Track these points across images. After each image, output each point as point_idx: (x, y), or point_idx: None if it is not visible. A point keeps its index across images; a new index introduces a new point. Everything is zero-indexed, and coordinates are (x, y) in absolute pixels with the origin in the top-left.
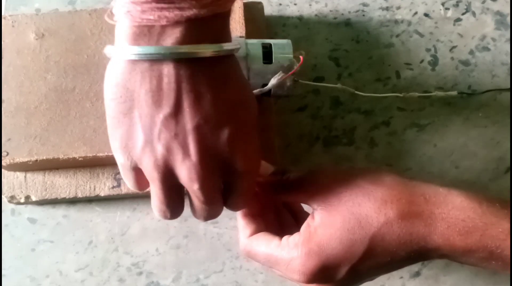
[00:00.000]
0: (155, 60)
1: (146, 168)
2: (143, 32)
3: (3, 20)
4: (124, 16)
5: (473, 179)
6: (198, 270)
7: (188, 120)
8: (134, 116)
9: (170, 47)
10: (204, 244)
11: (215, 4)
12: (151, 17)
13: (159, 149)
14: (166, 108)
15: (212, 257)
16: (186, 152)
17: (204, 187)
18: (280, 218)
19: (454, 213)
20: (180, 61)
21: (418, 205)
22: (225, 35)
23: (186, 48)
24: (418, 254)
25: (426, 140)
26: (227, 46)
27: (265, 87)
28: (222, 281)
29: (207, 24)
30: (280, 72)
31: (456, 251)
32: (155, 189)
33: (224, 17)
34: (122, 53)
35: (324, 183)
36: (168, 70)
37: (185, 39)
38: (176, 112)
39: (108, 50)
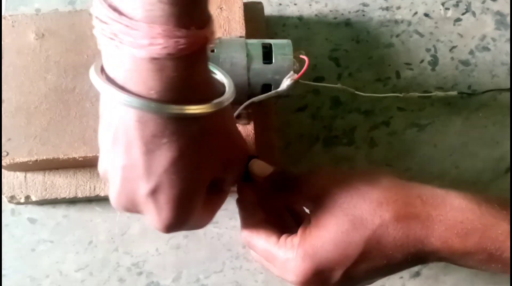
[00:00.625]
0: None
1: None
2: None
3: (3, 20)
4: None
5: (473, 179)
6: (198, 270)
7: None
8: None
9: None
10: (204, 244)
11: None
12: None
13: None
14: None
15: (212, 257)
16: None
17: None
18: (280, 219)
19: (452, 215)
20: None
21: (415, 207)
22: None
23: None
24: (416, 257)
25: (426, 140)
26: (195, 109)
27: (279, 89)
28: (222, 281)
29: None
30: (292, 72)
31: (455, 253)
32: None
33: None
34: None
35: (320, 184)
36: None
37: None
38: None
39: (96, 84)
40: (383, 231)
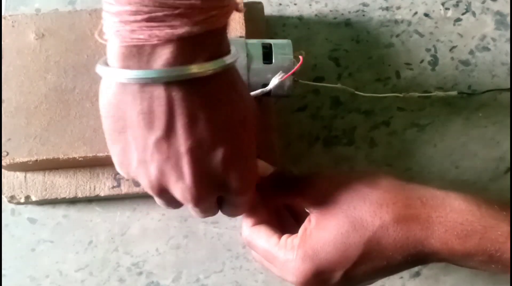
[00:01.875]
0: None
1: (143, 185)
2: (133, 53)
3: (3, 20)
4: (114, 36)
5: (473, 179)
6: (198, 270)
7: (181, 143)
8: (128, 135)
9: (160, 70)
10: (204, 244)
11: (209, 21)
12: (141, 37)
13: (152, 170)
14: (158, 130)
15: (212, 257)
16: (179, 175)
17: (199, 205)
18: (280, 219)
19: (452, 217)
20: (171, 82)
21: (415, 208)
22: (221, 50)
23: (177, 71)
24: (416, 258)
25: (426, 140)
26: (219, 62)
27: (266, 88)
28: (222, 281)
29: (201, 41)
30: (281, 72)
31: (455, 255)
32: (156, 199)
33: (219, 33)
34: (112, 76)
35: (320, 186)
36: (159, 93)
37: (176, 59)
38: (168, 134)
39: (99, 70)
40: (383, 232)
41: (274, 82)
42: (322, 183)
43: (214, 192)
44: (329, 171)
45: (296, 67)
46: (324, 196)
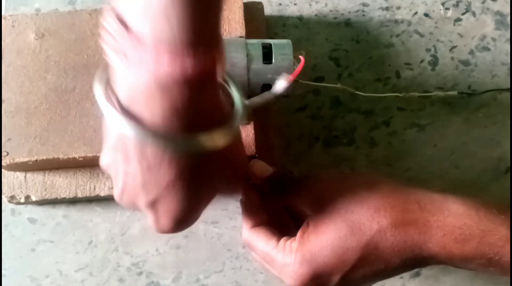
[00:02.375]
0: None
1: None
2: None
3: (3, 20)
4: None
5: (473, 179)
6: (198, 270)
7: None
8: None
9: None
10: (204, 244)
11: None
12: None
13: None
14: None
15: (212, 257)
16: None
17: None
18: (280, 221)
19: (450, 221)
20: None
21: (413, 212)
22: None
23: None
24: (414, 261)
25: (426, 140)
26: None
27: (274, 91)
28: (222, 281)
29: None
30: (284, 73)
31: (453, 258)
32: None
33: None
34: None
35: (318, 189)
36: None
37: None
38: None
39: (101, 102)
40: (381, 236)
41: (281, 84)
42: (320, 186)
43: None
44: (328, 172)
45: (299, 68)
46: (322, 199)
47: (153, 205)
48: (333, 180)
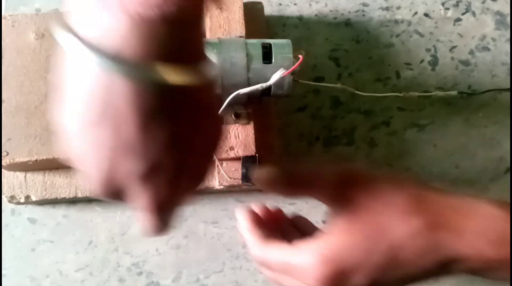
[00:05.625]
0: None
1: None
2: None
3: (3, 20)
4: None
5: (473, 179)
6: (198, 270)
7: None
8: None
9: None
10: (204, 244)
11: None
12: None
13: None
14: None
15: (212, 257)
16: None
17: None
18: (285, 234)
19: (483, 223)
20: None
21: (444, 215)
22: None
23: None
24: (445, 266)
25: (426, 140)
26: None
27: (266, 83)
28: (222, 281)
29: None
30: (282, 69)
31: (488, 262)
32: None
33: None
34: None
35: (341, 185)
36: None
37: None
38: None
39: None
40: (411, 239)
41: (275, 77)
42: (343, 181)
43: None
44: (350, 167)
45: (295, 65)
46: (344, 196)
47: (151, 172)
48: (359, 178)
